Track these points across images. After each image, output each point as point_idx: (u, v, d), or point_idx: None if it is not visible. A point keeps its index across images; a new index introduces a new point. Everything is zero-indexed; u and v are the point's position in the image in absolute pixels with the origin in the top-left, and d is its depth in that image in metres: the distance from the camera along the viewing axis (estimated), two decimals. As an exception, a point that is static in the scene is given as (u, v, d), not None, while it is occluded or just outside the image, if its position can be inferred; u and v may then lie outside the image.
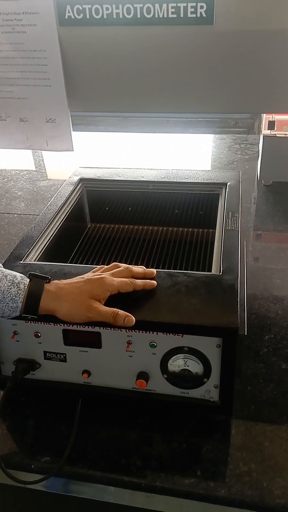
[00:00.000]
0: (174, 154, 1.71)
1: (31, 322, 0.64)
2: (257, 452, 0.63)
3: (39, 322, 0.64)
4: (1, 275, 0.59)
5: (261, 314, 0.87)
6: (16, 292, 0.58)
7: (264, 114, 1.29)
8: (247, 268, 1.00)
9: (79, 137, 1.84)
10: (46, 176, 1.53)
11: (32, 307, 0.58)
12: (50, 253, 0.80)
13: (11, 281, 0.59)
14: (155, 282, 0.65)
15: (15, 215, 1.26)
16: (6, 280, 0.58)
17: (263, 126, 1.30)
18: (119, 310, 0.59)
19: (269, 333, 0.82)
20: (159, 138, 1.95)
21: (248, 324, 0.84)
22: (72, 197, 0.94)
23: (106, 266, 0.68)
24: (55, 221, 0.86)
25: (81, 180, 1.00)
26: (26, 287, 0.58)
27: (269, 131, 1.27)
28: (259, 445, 0.64)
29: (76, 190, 0.97)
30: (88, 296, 0.59)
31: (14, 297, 0.57)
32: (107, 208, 1.03)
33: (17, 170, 1.56)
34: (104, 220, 1.04)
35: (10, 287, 0.58)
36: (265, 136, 1.27)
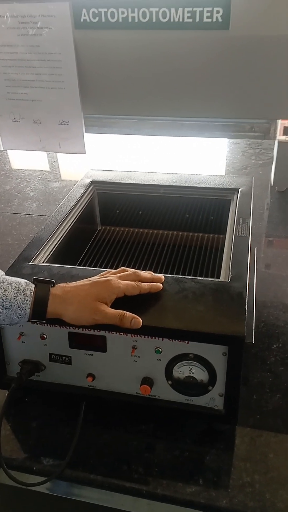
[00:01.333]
0: (187, 157, 1.70)
1: (37, 324, 0.64)
2: (261, 463, 0.62)
3: (45, 324, 0.64)
4: (6, 283, 0.58)
5: (270, 322, 0.86)
6: (23, 299, 0.58)
7: (280, 120, 1.27)
8: (258, 275, 0.99)
9: (93, 139, 1.85)
10: (60, 177, 1.53)
11: (39, 313, 0.58)
12: (59, 255, 0.80)
13: (17, 288, 0.58)
14: (161, 285, 0.65)
15: (27, 215, 1.27)
16: (12, 288, 0.58)
17: (278, 132, 1.29)
18: (125, 312, 0.59)
19: (277, 342, 0.81)
20: (173, 141, 1.95)
21: (256, 332, 0.83)
22: (83, 199, 0.95)
23: (113, 270, 0.68)
24: (65, 223, 0.86)
25: (93, 182, 1.00)
26: (32, 293, 0.58)
27: (284, 137, 1.26)
28: (264, 456, 0.63)
29: (87, 192, 0.97)
30: (95, 299, 0.59)
31: (21, 304, 0.57)
32: (117, 211, 1.03)
33: (30, 170, 1.57)
34: (114, 223, 1.04)
35: (16, 295, 0.58)
36: (280, 142, 1.26)
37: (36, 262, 0.74)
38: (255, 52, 0.76)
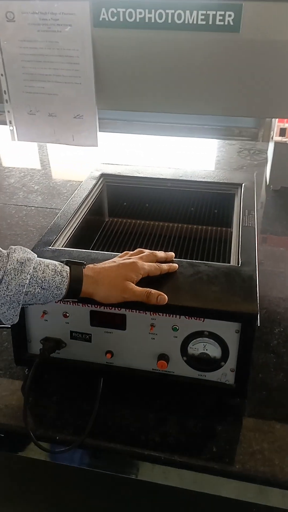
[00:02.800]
0: (183, 158, 1.76)
1: (61, 303, 0.67)
2: (269, 433, 0.67)
3: (68, 302, 0.67)
4: (43, 265, 0.61)
5: (271, 309, 0.91)
6: (61, 280, 0.61)
7: (277, 122, 1.34)
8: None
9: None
10: (55, 174, 1.56)
11: (75, 292, 0.62)
12: (75, 242, 0.84)
13: (54, 270, 0.62)
14: (177, 265, 0.71)
15: (33, 207, 1.30)
16: (49, 269, 0.61)
17: (274, 133, 1.35)
18: (152, 289, 0.63)
19: (279, 326, 0.87)
20: (168, 142, 2.00)
21: (260, 317, 0.88)
22: (94, 190, 0.99)
23: (131, 252, 0.72)
24: (79, 212, 0.90)
25: (102, 175, 1.04)
26: (68, 275, 0.62)
27: (280, 137, 1.32)
28: (271, 428, 0.68)
29: (98, 184, 1.01)
30: (123, 279, 0.63)
31: (59, 285, 0.61)
32: (125, 203, 1.07)
33: (33, 168, 1.60)
34: (121, 214, 1.08)
35: (54, 276, 0.61)
36: (276, 143, 1.32)
37: (55, 247, 0.77)
38: (264, 54, 0.81)
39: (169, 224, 1.06)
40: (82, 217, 0.90)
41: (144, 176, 1.04)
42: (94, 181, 1.01)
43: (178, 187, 1.02)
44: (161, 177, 1.03)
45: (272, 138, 1.39)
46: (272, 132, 1.42)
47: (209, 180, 1.01)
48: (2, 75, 0.92)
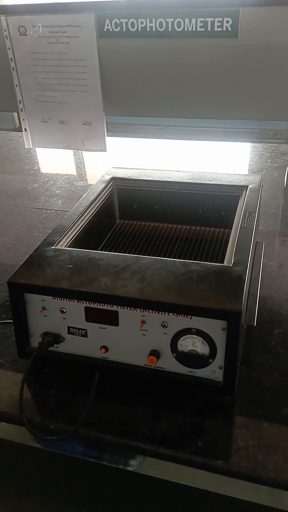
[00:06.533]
0: (206, 160, 1.77)
1: (58, 299, 0.72)
2: (255, 431, 0.68)
3: (65, 299, 0.71)
4: None
5: (273, 310, 0.92)
6: None
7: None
8: (269, 272, 1.04)
9: (118, 142, 1.93)
10: (85, 176, 1.62)
11: None
12: (80, 243, 0.88)
13: None
14: None
15: (52, 211, 1.36)
16: None
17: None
18: None
19: (279, 327, 0.87)
20: (193, 145, 2.01)
21: (260, 318, 0.89)
22: (102, 193, 1.02)
23: None
24: (85, 214, 0.94)
25: (113, 178, 1.08)
26: None
27: (297, 140, 1.31)
28: (258, 425, 0.69)
29: (107, 187, 1.05)
30: None
31: None
32: (135, 206, 1.10)
33: (57, 172, 1.66)
34: (132, 217, 1.11)
35: None
36: (293, 145, 1.31)
37: (58, 247, 0.82)
38: (262, 58, 0.82)
39: (177, 226, 1.08)
40: (89, 218, 0.94)
41: (153, 179, 1.07)
42: (103, 185, 1.05)
43: (186, 190, 1.04)
44: (169, 180, 1.06)
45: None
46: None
47: (216, 182, 1.03)
48: (16, 85, 0.98)
